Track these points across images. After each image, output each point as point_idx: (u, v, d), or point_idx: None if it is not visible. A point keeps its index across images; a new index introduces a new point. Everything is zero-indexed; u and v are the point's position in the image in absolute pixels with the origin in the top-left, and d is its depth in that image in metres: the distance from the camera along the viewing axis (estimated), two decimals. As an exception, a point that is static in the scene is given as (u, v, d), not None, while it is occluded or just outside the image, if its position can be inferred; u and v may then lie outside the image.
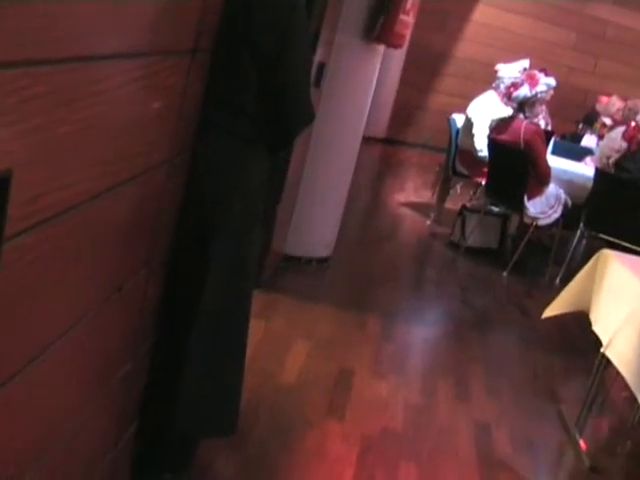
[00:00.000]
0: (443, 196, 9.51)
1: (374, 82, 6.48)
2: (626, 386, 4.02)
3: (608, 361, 4.25)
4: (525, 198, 7.44)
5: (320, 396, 4.43)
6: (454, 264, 7.90)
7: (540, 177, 7.48)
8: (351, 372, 4.81)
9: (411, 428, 4.35)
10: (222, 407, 3.26)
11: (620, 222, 7.25)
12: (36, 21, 1.42)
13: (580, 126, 11.18)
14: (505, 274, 7.60)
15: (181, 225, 2.85)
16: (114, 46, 1.83)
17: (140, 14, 1.95)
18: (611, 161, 7.64)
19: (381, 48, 6.37)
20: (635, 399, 3.95)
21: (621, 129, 7.80)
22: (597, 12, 14.27)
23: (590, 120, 10.72)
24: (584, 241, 7.87)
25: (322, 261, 6.56)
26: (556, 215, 7.59)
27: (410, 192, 10.77)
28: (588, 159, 8.79)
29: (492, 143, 7.81)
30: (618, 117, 9.53)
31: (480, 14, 14.24)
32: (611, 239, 7.10)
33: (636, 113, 8.83)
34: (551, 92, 9.92)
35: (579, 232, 7.70)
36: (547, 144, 8.53)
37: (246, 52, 2.90)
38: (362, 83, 6.29)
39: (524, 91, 7.74)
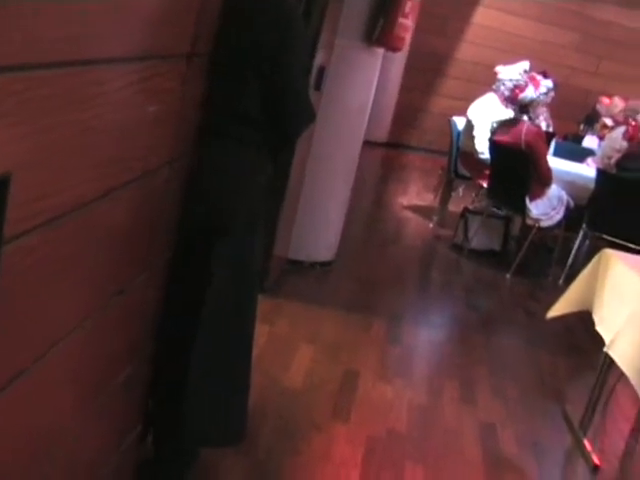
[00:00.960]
0: (446, 199, 9.51)
1: (374, 85, 6.49)
2: (630, 385, 4.01)
3: (612, 361, 4.25)
4: (527, 200, 7.44)
5: (325, 399, 4.43)
6: (458, 266, 7.90)
7: (542, 178, 7.49)
8: (356, 374, 4.82)
9: (416, 429, 4.35)
10: (229, 416, 3.26)
11: (622, 222, 7.26)
12: (35, 23, 1.43)
13: (581, 127, 11.19)
14: (509, 276, 7.60)
15: (184, 229, 2.85)
16: (112, 50, 1.83)
17: (136, 18, 1.96)
18: (612, 161, 7.64)
19: (381, 51, 6.39)
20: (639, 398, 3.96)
21: (622, 129, 7.81)
22: (600, 13, 14.27)
23: (591, 121, 10.73)
24: (587, 242, 7.88)
25: (325, 265, 6.56)
26: (558, 216, 7.59)
27: (413, 195, 10.78)
28: (590, 160, 8.79)
29: (494, 145, 7.82)
30: (619, 118, 9.52)
31: (481, 16, 14.26)
32: (614, 239, 7.11)
33: (637, 113, 8.83)
34: (551, 94, 9.94)
35: (582, 233, 7.70)
36: (548, 145, 8.54)
37: (247, 56, 2.91)
38: (362, 86, 6.30)
39: (530, 93, 7.76)
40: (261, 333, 4.89)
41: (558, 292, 4.98)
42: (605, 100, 10.72)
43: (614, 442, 4.83)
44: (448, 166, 9.33)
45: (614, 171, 7.57)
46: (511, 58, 8.65)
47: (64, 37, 1.56)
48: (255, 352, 4.25)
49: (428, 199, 10.36)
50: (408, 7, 6.20)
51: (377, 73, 6.51)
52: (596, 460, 4.34)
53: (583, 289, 4.75)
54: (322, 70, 5.51)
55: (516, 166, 7.54)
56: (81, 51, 1.66)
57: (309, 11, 5.18)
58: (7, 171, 1.42)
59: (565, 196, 7.69)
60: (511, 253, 8.06)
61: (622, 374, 4.16)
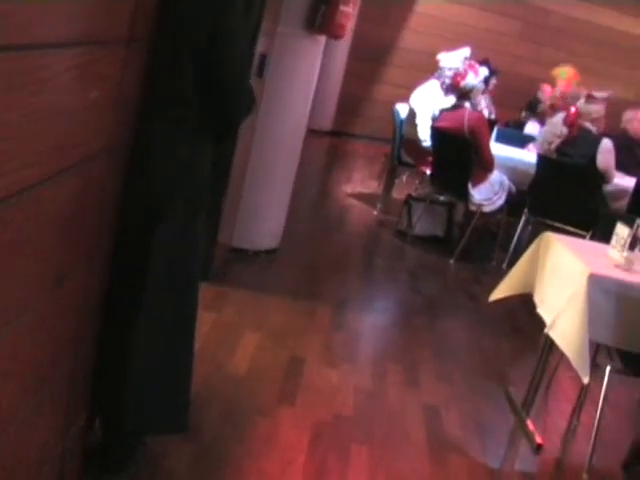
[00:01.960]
0: (389, 186, 9.58)
1: (316, 72, 6.50)
2: (572, 365, 4.08)
3: (553, 342, 4.32)
4: (470, 185, 7.52)
5: (271, 385, 4.45)
6: (402, 252, 7.96)
7: (484, 164, 7.57)
8: (302, 360, 4.84)
9: (362, 413, 4.39)
10: (172, 403, 3.26)
11: (563, 206, 7.37)
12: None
13: (523, 114, 11.29)
14: (452, 261, 7.68)
15: (125, 216, 2.84)
16: (49, 35, 1.83)
17: (73, 3, 1.96)
18: (553, 147, 7.74)
19: (323, 39, 6.40)
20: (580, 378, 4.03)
21: (562, 115, 7.91)
22: (541, 2, 14.43)
23: (533, 107, 10.83)
24: (529, 227, 7.97)
25: (270, 252, 6.58)
26: (501, 201, 7.68)
27: (357, 183, 10.82)
28: (531, 145, 8.90)
29: (436, 132, 7.88)
30: (560, 103, 9.63)
31: (424, 5, 14.34)
32: (555, 223, 7.21)
33: (577, 99, 8.94)
34: (494, 82, 10.06)
35: (524, 217, 7.80)
36: (491, 132, 8.63)
37: (184, 37, 2.91)
38: (304, 73, 6.31)
39: (471, 80, 7.82)
40: (206, 321, 4.90)
41: (501, 276, 5.05)
42: (546, 87, 10.83)
43: (556, 421, 4.91)
44: (391, 154, 9.39)
45: (554, 156, 7.67)
46: (454, 46, 8.70)
47: (3, 22, 1.55)
48: (200, 340, 4.28)
49: (372, 186, 10.41)
50: (349, -6, 6.23)
51: (319, 61, 6.52)
52: (539, 439, 4.41)
53: (524, 272, 4.82)
54: (264, 57, 5.52)
55: (458, 152, 7.61)
56: (18, 36, 1.65)
57: (250, -2, 5.18)
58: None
59: (507, 181, 7.77)
60: (454, 239, 8.13)
61: (563, 355, 4.23)
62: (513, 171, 7.98)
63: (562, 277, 4.37)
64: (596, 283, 4.05)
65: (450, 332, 6.06)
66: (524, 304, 4.89)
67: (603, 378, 4.20)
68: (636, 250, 4.29)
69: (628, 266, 4.23)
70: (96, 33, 2.17)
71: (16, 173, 1.77)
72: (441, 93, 8.18)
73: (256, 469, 3.63)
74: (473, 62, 8.05)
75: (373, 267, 7.43)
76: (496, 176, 7.72)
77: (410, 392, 4.80)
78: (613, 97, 9.43)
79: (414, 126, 8.59)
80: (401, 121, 9.08)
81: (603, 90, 8.57)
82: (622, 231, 4.33)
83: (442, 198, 8.35)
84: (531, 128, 10.15)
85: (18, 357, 2.08)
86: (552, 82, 10.81)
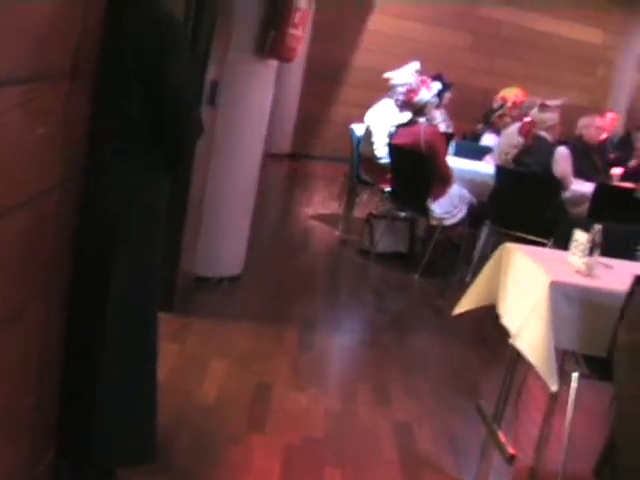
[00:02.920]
0: (350, 205, 9.58)
1: (270, 96, 6.51)
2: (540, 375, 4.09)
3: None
4: (430, 200, 7.54)
5: (240, 411, 4.43)
6: (366, 271, 7.96)
7: (442, 178, 7.60)
8: (270, 385, 4.82)
9: (333, 435, 4.37)
10: (139, 435, 3.24)
11: (523, 216, 7.40)
12: None
13: (479, 126, 11.35)
14: (417, 276, 7.69)
15: (82, 238, 2.83)
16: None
17: (18, 40, 1.95)
18: (510, 157, 7.79)
19: (274, 62, 6.41)
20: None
21: (517, 125, 7.96)
22: (491, 13, 14.57)
23: (488, 119, 10.89)
24: (492, 238, 7.99)
25: (234, 279, 6.55)
26: (461, 214, 7.71)
27: (318, 204, 10.83)
28: (488, 157, 8.93)
29: (393, 149, 7.90)
30: (514, 113, 9.71)
31: (375, 23, 14.40)
32: (517, 233, 7.24)
33: (531, 109, 9.01)
34: (448, 95, 10.11)
35: (485, 229, 7.83)
36: (448, 146, 8.67)
37: (129, 66, 2.91)
38: (257, 98, 6.31)
39: (424, 95, 7.86)
40: (171, 352, 4.87)
41: (465, 289, 5.05)
42: (500, 97, 10.89)
43: (528, 431, 4.90)
44: (350, 173, 9.40)
45: (512, 166, 7.72)
46: (407, 63, 8.75)
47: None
48: (167, 371, 4.25)
49: (333, 207, 10.41)
50: (297, 18, 6.24)
51: (272, 84, 6.53)
52: (511, 450, 4.41)
53: (486, 284, 4.82)
54: (215, 85, 5.50)
55: (416, 168, 7.64)
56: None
57: (199, 25, 5.18)
58: None
59: (467, 194, 7.81)
60: (418, 254, 8.15)
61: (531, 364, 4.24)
62: (472, 183, 8.01)
63: (524, 286, 4.38)
64: (558, 290, 4.06)
65: (418, 348, 6.06)
66: (489, 315, 4.90)
67: (571, 385, 4.22)
68: (595, 255, 4.31)
69: (588, 271, 4.25)
70: (40, 70, 2.16)
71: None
72: (396, 110, 8.21)
73: (229, 498, 3.61)
74: (425, 77, 8.09)
75: (338, 287, 7.42)
76: (455, 189, 7.75)
77: (381, 411, 4.79)
78: (567, 104, 9.52)
79: (371, 144, 8.62)
80: (358, 140, 9.10)
81: (556, 98, 8.65)
82: (580, 237, 4.35)
83: (403, 214, 8.37)
84: (488, 140, 10.20)
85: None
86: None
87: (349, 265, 8.22)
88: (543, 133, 7.65)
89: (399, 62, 8.96)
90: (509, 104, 10.06)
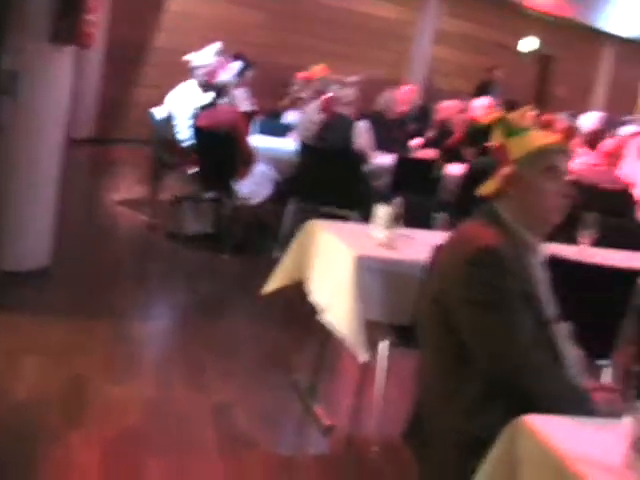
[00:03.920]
0: (156, 189, 9.49)
1: (68, 83, 6.36)
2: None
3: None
4: (234, 180, 7.57)
5: (55, 408, 4.34)
6: (176, 254, 7.90)
7: (246, 158, 7.64)
8: (85, 379, 4.74)
9: (151, 424, 4.35)
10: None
11: (328, 190, 7.54)
12: None
13: (283, 102, 11.44)
14: (226, 257, 7.70)
15: None
16: None
17: None
18: (311, 133, 7.90)
19: (72, 49, 6.28)
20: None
21: (317, 102, 8.08)
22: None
23: (290, 96, 10.99)
24: (298, 214, 8.07)
25: (42, 272, 6.39)
26: (266, 192, 7.79)
27: (124, 189, 10.67)
28: (291, 134, 9.02)
29: (196, 131, 7.88)
30: (313, 90, 9.84)
31: (174, 3, 14.21)
32: (323, 208, 7.36)
33: (328, 85, 9.16)
34: (249, 74, 10.16)
35: (291, 205, 7.91)
36: (250, 125, 8.71)
37: None
38: (56, 86, 6.16)
39: (225, 76, 7.87)
40: (-20, 351, 4.74)
41: (275, 267, 5.10)
42: (301, 75, 11.02)
43: (342, 402, 5.03)
44: (154, 156, 9.31)
45: (313, 142, 7.82)
46: (207, 42, 8.73)
47: None
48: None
49: (140, 191, 10.27)
50: (92, 2, 6.15)
51: (71, 71, 6.38)
52: (327, 422, 4.51)
53: (294, 261, 4.90)
54: (14, 75, 5.36)
55: (220, 149, 7.66)
56: None
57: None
58: None
59: (271, 172, 7.87)
60: (226, 234, 8.15)
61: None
62: (276, 161, 8.08)
63: (330, 262, 4.48)
64: (362, 264, 4.17)
65: (231, 329, 6.08)
66: (300, 292, 4.97)
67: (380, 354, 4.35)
68: (397, 228, 4.45)
69: (390, 244, 4.39)
70: None
71: None
72: (199, 91, 8.20)
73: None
74: (224, 58, 8.11)
75: (149, 273, 7.36)
76: (260, 168, 7.80)
77: (198, 395, 4.80)
78: (366, 79, 9.75)
79: (173, 127, 8.56)
80: (159, 123, 9.01)
81: (354, 75, 8.83)
82: (381, 211, 4.47)
83: (209, 195, 8.36)
84: (291, 116, 10.30)
85: None
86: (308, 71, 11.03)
87: (158, 250, 8.13)
88: (343, 109, 7.79)
89: (200, 42, 8.95)
90: (308, 81, 10.18)
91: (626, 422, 2.28)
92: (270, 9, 14.58)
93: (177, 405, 4.64)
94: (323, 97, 7.95)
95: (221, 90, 7.84)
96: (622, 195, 7.96)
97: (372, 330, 4.49)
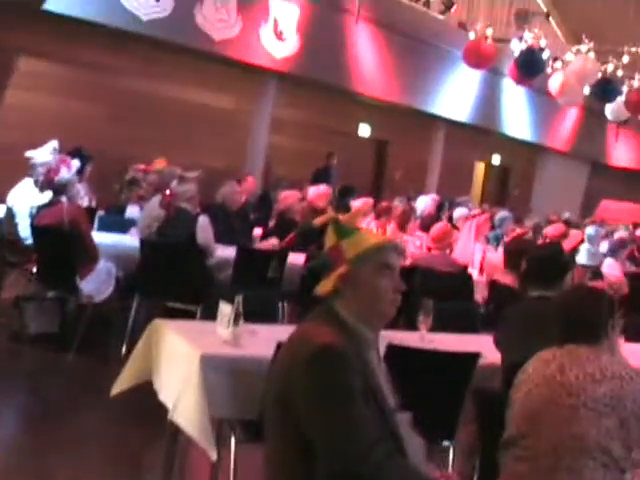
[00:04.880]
0: (-2, 290, 9.28)
1: None
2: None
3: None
4: (77, 279, 7.52)
5: None
6: (19, 355, 7.74)
7: (89, 255, 7.60)
8: None
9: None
10: None
11: (171, 285, 7.57)
12: None
13: (122, 197, 11.38)
14: (71, 356, 7.58)
15: None
16: None
17: None
18: (153, 229, 7.95)
19: None
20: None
21: (158, 197, 8.14)
22: (130, 85, 14.67)
23: (130, 190, 10.97)
24: (143, 309, 8.03)
25: None
26: (110, 289, 7.75)
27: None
28: (133, 230, 8.95)
29: (36, 229, 7.81)
30: (154, 184, 9.89)
31: (11, 98, 13.95)
32: (167, 303, 7.39)
33: (173, 178, 9.27)
34: (89, 168, 10.15)
35: (136, 301, 7.87)
36: (92, 221, 8.69)
37: None
38: None
39: (64, 174, 7.85)
40: None
41: (122, 364, 5.08)
42: (141, 167, 11.06)
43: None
44: (-5, 255, 9.13)
45: (155, 238, 7.87)
46: (47, 138, 8.66)
47: None
48: None
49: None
50: None
51: None
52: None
53: (141, 361, 4.92)
54: None
55: (61, 247, 7.60)
56: None
57: None
58: None
59: (114, 268, 7.85)
60: (71, 333, 8.03)
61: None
62: (119, 257, 8.07)
63: (176, 362, 4.53)
64: (208, 363, 4.26)
65: (79, 430, 5.96)
66: (149, 391, 4.95)
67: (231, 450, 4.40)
68: (240, 324, 4.54)
69: (235, 341, 4.48)
70: None
71: None
72: (36, 190, 8.14)
73: None
74: (64, 156, 8.10)
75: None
76: (102, 265, 7.77)
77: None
78: (205, 170, 9.89)
79: (14, 226, 8.46)
80: (0, 221, 8.88)
81: (194, 167, 8.96)
82: (225, 308, 4.57)
83: (52, 294, 8.25)
84: (131, 211, 10.25)
85: None
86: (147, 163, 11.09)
87: (1, 351, 7.94)
88: (184, 204, 7.89)
89: (39, 137, 8.87)
90: (145, 173, 10.24)
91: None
92: (110, 101, 14.55)
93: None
94: (164, 193, 8.02)
95: (60, 188, 7.79)
96: (460, 277, 8.30)
97: (222, 426, 4.56)
